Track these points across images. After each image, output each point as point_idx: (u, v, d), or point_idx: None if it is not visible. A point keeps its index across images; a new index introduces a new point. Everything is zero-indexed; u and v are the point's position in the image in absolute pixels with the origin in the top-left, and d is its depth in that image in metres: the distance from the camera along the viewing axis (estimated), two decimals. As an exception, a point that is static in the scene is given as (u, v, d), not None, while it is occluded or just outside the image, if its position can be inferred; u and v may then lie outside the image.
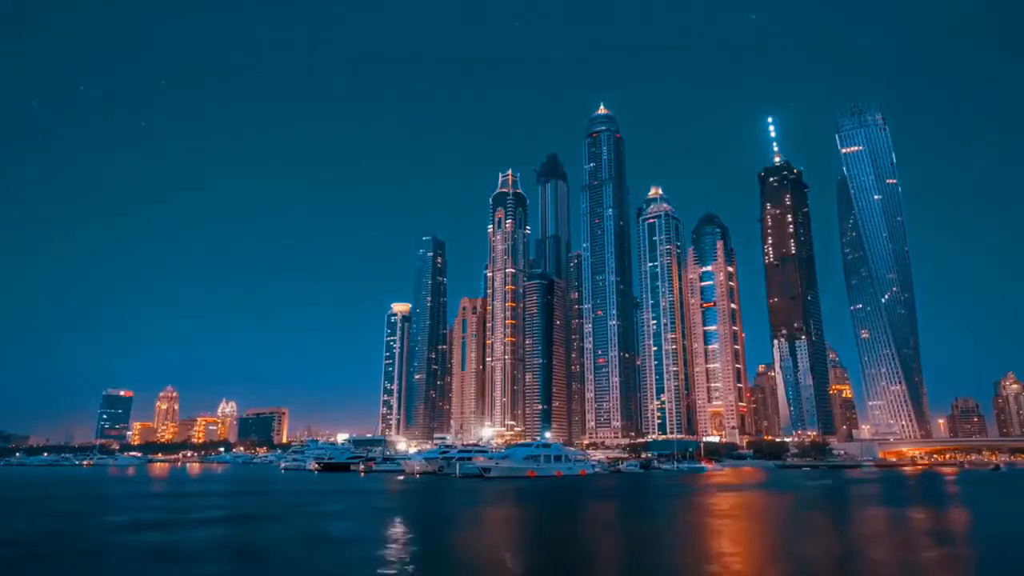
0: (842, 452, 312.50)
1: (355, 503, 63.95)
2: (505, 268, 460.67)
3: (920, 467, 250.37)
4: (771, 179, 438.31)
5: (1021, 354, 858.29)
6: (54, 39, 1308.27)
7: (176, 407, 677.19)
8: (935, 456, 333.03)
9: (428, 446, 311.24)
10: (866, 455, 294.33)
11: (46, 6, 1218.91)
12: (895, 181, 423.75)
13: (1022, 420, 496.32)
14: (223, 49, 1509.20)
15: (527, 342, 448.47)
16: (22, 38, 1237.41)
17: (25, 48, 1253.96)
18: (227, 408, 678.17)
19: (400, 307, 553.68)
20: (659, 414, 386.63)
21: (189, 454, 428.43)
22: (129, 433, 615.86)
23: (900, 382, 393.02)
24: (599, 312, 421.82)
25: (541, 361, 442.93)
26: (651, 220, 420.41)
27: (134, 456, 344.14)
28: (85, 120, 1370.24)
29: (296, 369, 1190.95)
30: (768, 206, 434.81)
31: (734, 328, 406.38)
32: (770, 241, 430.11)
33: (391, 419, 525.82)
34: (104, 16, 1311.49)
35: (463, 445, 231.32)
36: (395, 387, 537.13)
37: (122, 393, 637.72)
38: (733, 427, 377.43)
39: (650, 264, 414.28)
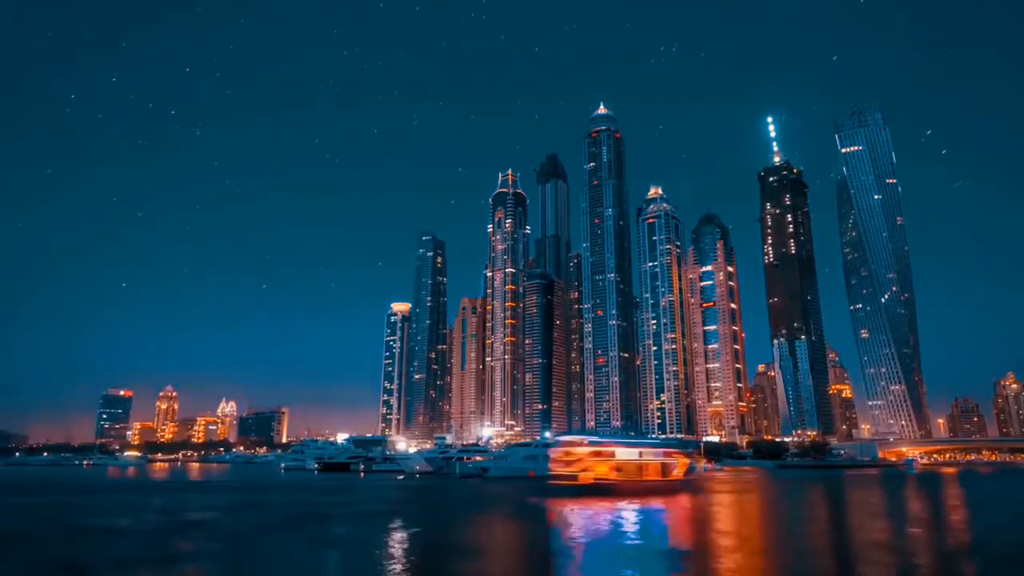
0: (842, 452, 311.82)
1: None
2: (505, 268, 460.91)
3: (920, 467, 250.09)
4: (771, 179, 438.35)
5: (1021, 354, 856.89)
6: (90, 32, 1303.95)
7: (176, 407, 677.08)
8: (935, 456, 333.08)
9: (428, 446, 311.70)
10: (866, 455, 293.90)
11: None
12: (895, 181, 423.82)
13: (1022, 420, 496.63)
14: (227, 47, 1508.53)
15: (527, 342, 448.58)
16: (61, 35, 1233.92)
17: (64, 43, 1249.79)
18: (227, 408, 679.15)
19: (400, 307, 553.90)
20: (659, 414, 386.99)
21: (189, 454, 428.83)
22: (129, 433, 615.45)
23: (900, 382, 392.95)
24: (599, 312, 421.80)
25: (541, 361, 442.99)
26: (651, 220, 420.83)
27: (134, 456, 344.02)
28: (115, 112, 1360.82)
29: (296, 369, 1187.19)
30: (768, 206, 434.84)
31: (734, 328, 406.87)
32: (770, 241, 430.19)
33: (391, 419, 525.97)
34: (132, 8, 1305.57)
35: (463, 445, 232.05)
36: (395, 387, 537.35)
37: (122, 393, 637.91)
38: (733, 427, 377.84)
39: (650, 264, 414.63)
